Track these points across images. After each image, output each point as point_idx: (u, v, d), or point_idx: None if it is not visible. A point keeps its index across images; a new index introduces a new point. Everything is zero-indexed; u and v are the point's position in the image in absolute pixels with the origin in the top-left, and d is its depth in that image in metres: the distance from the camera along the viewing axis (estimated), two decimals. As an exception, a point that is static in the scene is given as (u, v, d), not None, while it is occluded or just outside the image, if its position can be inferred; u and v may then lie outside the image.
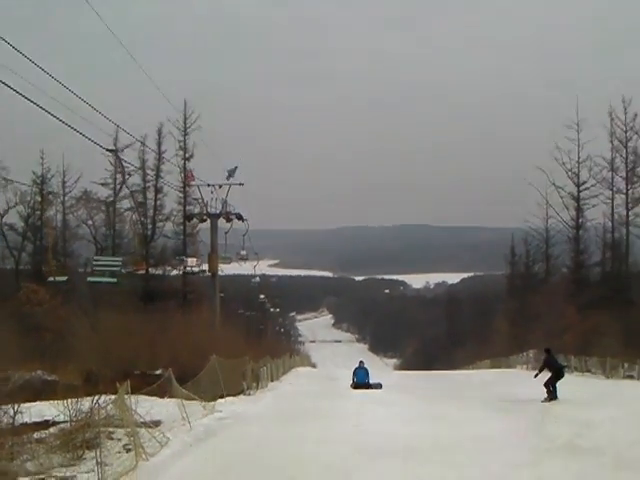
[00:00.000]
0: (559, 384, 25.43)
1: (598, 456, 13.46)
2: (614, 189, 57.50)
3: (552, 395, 25.06)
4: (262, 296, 78.06)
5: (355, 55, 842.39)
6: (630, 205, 56.83)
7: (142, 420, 14.93)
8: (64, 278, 35.45)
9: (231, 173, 39.31)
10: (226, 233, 39.99)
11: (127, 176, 53.22)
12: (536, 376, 26.68)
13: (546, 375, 26.07)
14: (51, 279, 35.44)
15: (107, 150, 18.07)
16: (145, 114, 69.38)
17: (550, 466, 12.81)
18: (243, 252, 42.39)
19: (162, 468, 12.94)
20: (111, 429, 14.93)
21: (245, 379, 29.03)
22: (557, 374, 25.89)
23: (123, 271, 46.70)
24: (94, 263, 25.84)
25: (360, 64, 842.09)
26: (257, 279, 64.63)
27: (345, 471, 12.58)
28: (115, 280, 24.52)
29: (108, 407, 14.35)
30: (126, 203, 56.58)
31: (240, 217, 39.90)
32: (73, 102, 16.91)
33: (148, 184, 56.11)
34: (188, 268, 43.68)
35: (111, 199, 55.30)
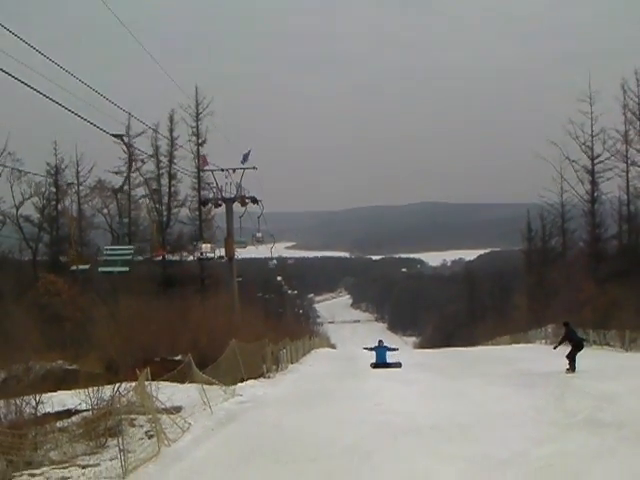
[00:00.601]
0: (578, 356, 25.86)
1: (619, 429, 13.43)
2: (629, 162, 57.06)
3: (573, 366, 25.48)
4: (279, 278, 78.09)
5: (365, 38, 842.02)
6: (645, 177, 56.42)
7: (163, 406, 15.04)
8: (87, 266, 35.51)
9: (245, 157, 39.18)
10: (240, 217, 39.85)
11: (140, 163, 53.36)
12: (555, 348, 27.76)
13: (567, 348, 26.55)
14: (74, 268, 35.51)
15: (113, 135, 17.81)
16: (157, 102, 69.26)
17: (571, 441, 12.79)
18: (259, 234, 42.11)
19: (184, 453, 13.05)
20: (133, 416, 15.06)
21: (265, 362, 29.12)
22: (577, 346, 26.42)
23: (140, 258, 46.63)
24: (105, 253, 25.61)
25: (371, 46, 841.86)
26: (274, 262, 64.44)
27: (366, 451, 12.60)
28: (127, 269, 24.41)
29: (129, 394, 14.45)
30: (141, 191, 56.76)
31: (255, 200, 39.80)
32: (85, 92, 16.95)
33: (162, 171, 56.23)
34: (202, 254, 43.49)
35: (125, 187, 55.45)
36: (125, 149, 50.53)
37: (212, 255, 42.11)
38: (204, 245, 42.77)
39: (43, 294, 39.92)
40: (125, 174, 54.39)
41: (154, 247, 50.81)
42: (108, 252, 24.99)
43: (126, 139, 17.27)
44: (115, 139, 24.85)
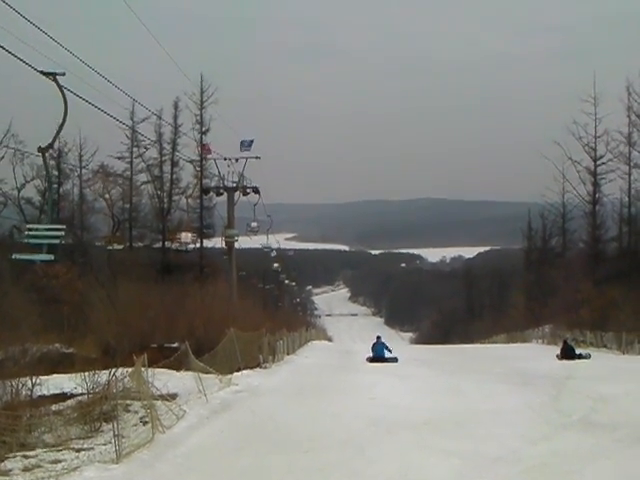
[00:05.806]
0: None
1: (614, 431, 13.44)
2: (631, 164, 56.89)
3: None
4: (276, 265, 77.55)
5: (368, 27, 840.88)
6: (647, 180, 56.34)
7: (159, 393, 15.03)
8: (121, 247, 34.74)
9: (248, 146, 39.01)
10: (234, 204, 39.45)
11: (143, 149, 53.39)
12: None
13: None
14: (109, 248, 34.94)
15: (43, 73, 15.44)
16: (162, 88, 69.32)
17: (565, 441, 12.80)
18: (254, 224, 41.59)
19: (178, 440, 13.04)
20: (128, 402, 15.07)
21: (261, 352, 29.10)
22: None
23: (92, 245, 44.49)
24: (27, 233, 18.09)
25: (374, 36, 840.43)
26: (274, 253, 64.05)
27: (359, 445, 12.61)
28: (52, 257, 16.79)
29: (125, 380, 14.45)
30: (143, 177, 56.75)
31: (257, 190, 39.63)
32: (89, 75, 16.86)
33: (165, 157, 56.19)
34: (181, 244, 42.57)
35: (127, 173, 55.47)
36: (129, 135, 51.04)
37: (192, 245, 41.17)
38: (183, 234, 42.04)
39: (41, 277, 39.83)
40: (128, 160, 54.64)
41: (173, 230, 50.74)
42: (30, 233, 17.78)
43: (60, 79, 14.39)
44: (121, 125, 24.35)
